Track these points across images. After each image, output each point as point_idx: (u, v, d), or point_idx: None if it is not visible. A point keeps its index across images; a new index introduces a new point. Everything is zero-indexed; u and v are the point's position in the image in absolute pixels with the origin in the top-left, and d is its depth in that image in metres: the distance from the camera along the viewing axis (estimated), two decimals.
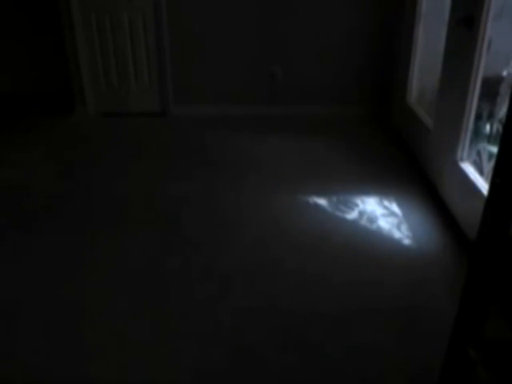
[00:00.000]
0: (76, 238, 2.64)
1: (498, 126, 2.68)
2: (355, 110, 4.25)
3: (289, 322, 2.10)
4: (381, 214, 2.86)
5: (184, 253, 2.53)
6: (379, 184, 3.18)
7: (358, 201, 2.98)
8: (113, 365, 1.89)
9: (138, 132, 3.99)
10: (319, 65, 4.14)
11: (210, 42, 4.06)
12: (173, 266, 2.44)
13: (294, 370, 1.88)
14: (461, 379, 1.48)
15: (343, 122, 4.13)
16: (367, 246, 2.59)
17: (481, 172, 2.62)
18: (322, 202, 2.97)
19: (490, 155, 2.65)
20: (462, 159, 2.74)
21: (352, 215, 2.84)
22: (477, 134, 2.74)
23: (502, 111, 2.62)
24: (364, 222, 2.78)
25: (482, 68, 2.54)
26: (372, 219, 2.80)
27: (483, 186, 2.47)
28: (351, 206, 2.92)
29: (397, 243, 2.60)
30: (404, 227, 2.73)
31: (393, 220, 2.80)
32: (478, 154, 2.73)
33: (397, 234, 2.67)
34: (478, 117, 2.70)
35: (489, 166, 2.62)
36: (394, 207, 2.92)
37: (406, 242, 2.62)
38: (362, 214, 2.85)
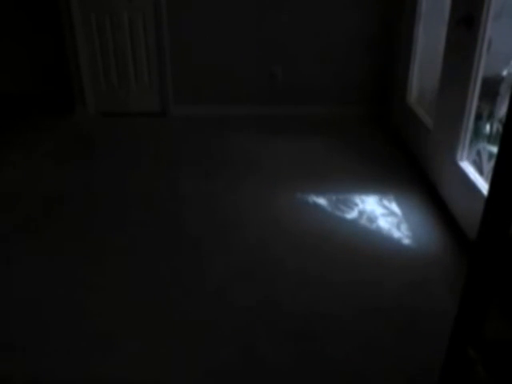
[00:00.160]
0: (76, 238, 2.64)
1: (497, 126, 2.68)
2: (355, 109, 4.25)
3: (289, 322, 2.10)
4: (380, 213, 2.86)
5: (184, 253, 2.53)
6: (379, 184, 3.18)
7: (358, 200, 2.98)
8: (114, 364, 1.89)
9: (138, 132, 3.99)
10: (319, 65, 4.14)
11: (210, 42, 4.06)
12: (172, 266, 2.44)
13: (293, 369, 1.88)
14: (461, 379, 1.48)
15: (343, 122, 4.13)
16: (367, 245, 2.59)
17: (481, 172, 2.62)
18: (321, 201, 2.98)
19: (490, 155, 2.65)
20: (461, 159, 2.74)
21: (352, 215, 2.84)
22: (477, 133, 2.74)
23: (502, 111, 2.62)
24: (364, 221, 2.78)
25: (482, 68, 2.54)
26: (372, 219, 2.80)
27: (483, 186, 2.47)
28: (351, 206, 2.92)
29: (396, 243, 2.60)
30: (404, 227, 2.73)
31: (392, 220, 2.80)
32: (478, 153, 2.73)
33: (396, 234, 2.67)
34: (478, 117, 2.70)
35: (489, 166, 2.62)
36: (394, 207, 2.92)
37: (406, 241, 2.62)
38: (361, 213, 2.85)
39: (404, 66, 3.75)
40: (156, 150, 3.67)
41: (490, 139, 2.73)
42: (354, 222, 2.78)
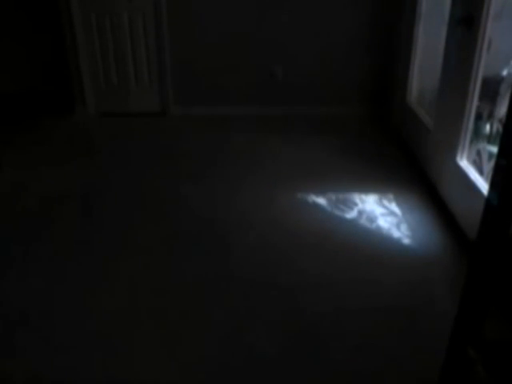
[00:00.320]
0: (76, 238, 2.64)
1: (497, 126, 2.68)
2: (355, 109, 4.25)
3: (288, 322, 2.10)
4: (380, 213, 2.86)
5: (184, 252, 2.53)
6: (379, 183, 3.18)
7: (358, 200, 2.98)
8: (120, 365, 1.90)
9: (138, 132, 3.99)
10: (319, 65, 4.14)
11: (210, 42, 4.06)
12: (174, 265, 2.44)
13: (293, 369, 1.88)
14: (461, 379, 1.48)
15: (343, 122, 4.13)
16: (367, 245, 2.59)
17: (481, 172, 2.62)
18: (321, 201, 2.98)
19: (490, 155, 2.65)
20: (461, 159, 2.74)
21: (351, 214, 2.84)
22: (477, 133, 2.74)
23: (502, 111, 2.62)
24: (363, 221, 2.78)
25: (482, 68, 2.54)
26: (371, 218, 2.80)
27: (483, 185, 2.47)
28: (351, 206, 2.92)
29: (396, 243, 2.60)
30: (404, 227, 2.73)
31: (392, 219, 2.80)
32: (478, 153, 2.73)
33: (396, 234, 2.67)
34: (478, 117, 2.70)
35: (489, 166, 2.62)
36: (394, 207, 2.92)
37: (406, 241, 2.62)
38: (361, 213, 2.85)
39: (404, 66, 3.75)
40: (156, 150, 3.67)
41: (490, 139, 2.73)
42: (353, 222, 2.78)
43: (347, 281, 2.34)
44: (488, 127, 2.75)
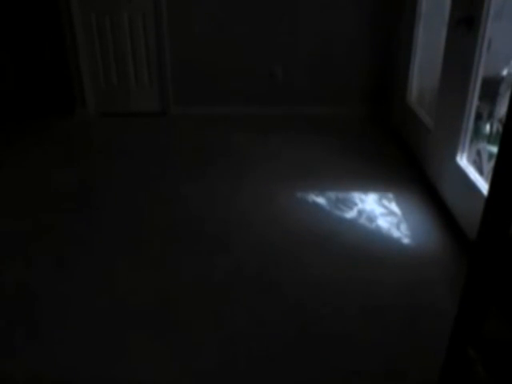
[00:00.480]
0: (76, 238, 2.64)
1: (497, 126, 2.68)
2: (355, 109, 4.25)
3: (288, 321, 2.10)
4: (380, 213, 2.86)
5: (184, 252, 2.53)
6: (379, 183, 3.18)
7: (358, 200, 2.98)
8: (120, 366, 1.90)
9: (138, 132, 3.99)
10: (319, 65, 4.14)
11: (210, 42, 4.06)
12: (174, 265, 2.44)
13: (292, 370, 1.88)
14: (460, 379, 1.48)
15: (343, 122, 4.13)
16: (366, 245, 2.59)
17: (481, 172, 2.62)
18: (321, 200, 2.98)
19: (490, 155, 2.65)
20: (461, 159, 2.74)
21: (351, 214, 2.84)
22: (477, 133, 2.74)
23: (502, 111, 2.62)
24: (363, 220, 2.78)
25: (482, 68, 2.54)
26: (371, 218, 2.80)
27: (483, 185, 2.47)
28: (350, 205, 2.92)
29: (396, 242, 2.60)
30: (403, 226, 2.73)
31: (392, 219, 2.80)
32: (478, 153, 2.73)
33: (396, 234, 2.67)
34: (478, 117, 2.70)
35: (489, 166, 2.62)
36: (394, 206, 2.93)
37: (406, 241, 2.62)
38: (361, 213, 2.85)
39: (404, 66, 3.75)
40: (156, 150, 3.67)
41: (490, 139, 2.73)
42: (353, 222, 2.78)
43: (347, 280, 2.34)
44: (488, 127, 2.75)
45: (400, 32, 3.83)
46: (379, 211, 2.88)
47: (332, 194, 3.04)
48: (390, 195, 3.04)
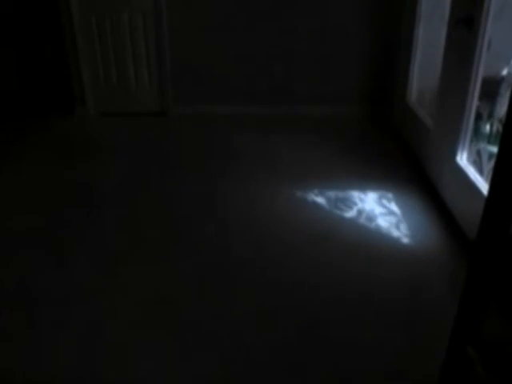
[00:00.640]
0: (75, 238, 2.64)
1: (497, 126, 2.68)
2: (355, 109, 4.25)
3: (288, 320, 2.10)
4: (380, 212, 2.86)
5: (184, 252, 2.53)
6: (379, 183, 3.18)
7: (357, 199, 2.98)
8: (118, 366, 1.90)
9: (138, 132, 3.99)
10: (319, 65, 4.14)
11: (210, 42, 4.06)
12: (173, 265, 2.44)
13: (291, 371, 1.88)
14: (460, 379, 1.48)
15: (343, 122, 4.13)
16: (366, 244, 2.59)
17: (481, 172, 2.62)
18: (321, 200, 2.98)
19: (490, 155, 2.65)
20: (461, 159, 2.74)
21: (351, 214, 2.84)
22: (477, 133, 2.74)
23: (502, 111, 2.62)
24: (363, 220, 2.78)
25: (482, 68, 2.54)
26: (371, 218, 2.80)
27: (483, 185, 2.47)
28: (350, 205, 2.92)
29: (396, 242, 2.60)
30: (403, 226, 2.73)
31: (392, 219, 2.80)
32: (478, 153, 2.73)
33: (396, 233, 2.67)
34: (478, 117, 2.70)
35: (489, 166, 2.62)
36: (393, 206, 2.93)
37: (405, 240, 2.62)
38: (361, 212, 2.86)
39: (404, 66, 3.75)
40: (156, 150, 3.67)
41: (490, 139, 2.73)
42: (353, 221, 2.78)
43: (346, 280, 2.34)
44: (488, 127, 2.75)
45: (400, 32, 3.83)
46: (379, 211, 2.88)
47: (332, 194, 3.04)
48: (390, 195, 3.05)
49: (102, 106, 4.27)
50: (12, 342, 1.99)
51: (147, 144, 3.78)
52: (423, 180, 3.19)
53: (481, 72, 2.55)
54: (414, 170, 3.33)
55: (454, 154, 2.78)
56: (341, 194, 3.04)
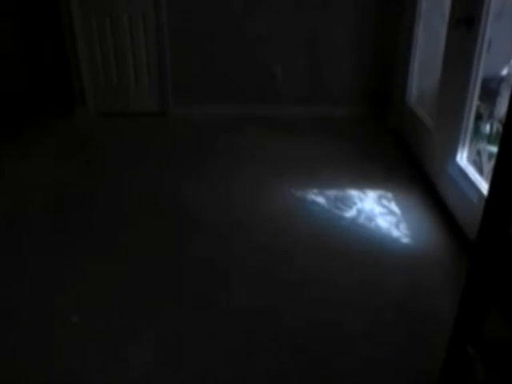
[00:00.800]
0: (74, 238, 2.64)
1: (497, 126, 2.68)
2: (355, 110, 4.25)
3: (288, 319, 2.10)
4: (380, 212, 2.86)
5: (184, 252, 2.53)
6: (379, 183, 3.18)
7: (357, 199, 2.98)
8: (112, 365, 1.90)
9: (138, 132, 3.99)
10: (320, 65, 4.14)
11: (210, 42, 4.06)
12: (173, 265, 2.44)
13: (291, 372, 1.88)
14: (460, 378, 1.48)
15: (343, 122, 4.13)
16: (365, 244, 2.59)
17: (481, 172, 2.63)
18: (320, 200, 2.98)
19: (490, 155, 2.65)
20: (461, 159, 2.74)
21: (351, 213, 2.84)
22: (477, 133, 2.74)
23: (502, 111, 2.62)
24: (363, 220, 2.78)
25: (482, 68, 2.54)
26: (371, 217, 2.80)
27: (483, 186, 2.47)
28: (350, 205, 2.92)
29: (395, 242, 2.60)
30: (403, 226, 2.73)
31: (392, 219, 2.80)
32: (478, 153, 2.74)
33: (395, 233, 2.67)
34: (478, 117, 2.70)
35: (489, 166, 2.62)
36: (393, 206, 2.93)
37: (405, 240, 2.62)
38: (360, 212, 2.85)
39: (404, 66, 3.75)
40: (156, 150, 3.67)
41: (490, 139, 2.73)
42: (352, 221, 2.78)
43: (346, 280, 2.34)
44: (488, 127, 2.75)
45: (400, 32, 3.83)
46: (379, 210, 2.88)
47: (331, 194, 3.04)
48: (390, 195, 3.05)
49: (102, 106, 4.26)
50: None
51: (147, 144, 3.77)
52: (423, 180, 3.19)
53: (481, 72, 2.55)
54: (414, 170, 3.33)
55: (454, 154, 2.78)
56: (340, 194, 3.04)
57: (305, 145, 3.74)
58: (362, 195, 3.04)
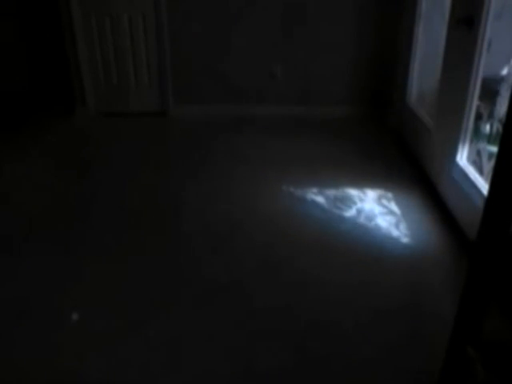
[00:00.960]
0: (73, 237, 2.64)
1: (497, 126, 2.68)
2: (355, 110, 4.25)
3: (288, 319, 2.10)
4: (379, 212, 2.86)
5: (185, 253, 2.53)
6: (378, 183, 3.18)
7: (357, 199, 2.98)
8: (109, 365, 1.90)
9: (138, 132, 4.00)
10: (320, 65, 4.14)
11: (210, 42, 4.06)
12: (172, 264, 2.44)
13: (291, 372, 1.88)
14: (460, 378, 1.48)
15: (343, 122, 4.13)
16: (365, 244, 2.59)
17: (481, 172, 2.63)
18: (320, 199, 2.98)
19: (490, 155, 2.65)
20: (461, 159, 2.74)
21: (350, 213, 2.84)
22: (477, 133, 2.74)
23: (502, 111, 2.62)
24: (362, 220, 2.78)
25: (482, 68, 2.54)
26: (370, 217, 2.80)
27: (483, 185, 2.47)
28: (350, 204, 2.92)
29: (395, 242, 2.60)
30: (403, 226, 2.73)
31: (391, 218, 2.80)
32: (478, 153, 2.74)
33: (395, 233, 2.67)
34: (478, 117, 2.70)
35: (489, 166, 2.62)
36: (393, 206, 2.93)
37: (405, 240, 2.62)
38: (360, 212, 2.86)
39: (404, 66, 3.75)
40: (156, 150, 3.67)
41: (490, 139, 2.73)
42: (352, 221, 2.78)
43: (345, 280, 2.34)
44: (488, 127, 2.75)
45: (400, 32, 3.83)
46: (379, 210, 2.88)
47: (331, 193, 3.04)
48: (390, 195, 3.05)
49: (103, 106, 4.27)
50: None
51: (147, 144, 3.78)
52: (423, 180, 3.19)
53: (481, 72, 2.55)
54: (413, 170, 3.33)
55: (454, 154, 2.78)
56: (340, 194, 3.04)
57: (305, 145, 3.74)
58: (361, 195, 3.04)
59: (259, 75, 4.18)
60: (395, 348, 1.97)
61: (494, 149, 2.59)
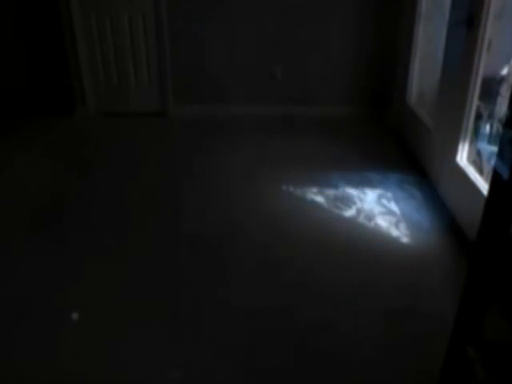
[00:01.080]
0: (73, 237, 2.64)
1: (497, 126, 2.68)
2: (355, 110, 4.25)
3: (287, 320, 2.10)
4: (379, 212, 2.86)
5: (185, 253, 2.53)
6: (378, 182, 3.18)
7: (357, 199, 2.98)
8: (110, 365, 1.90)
9: (138, 132, 4.00)
10: (319, 65, 4.14)
11: (210, 42, 4.06)
12: (171, 265, 2.44)
13: (291, 372, 1.88)
14: (460, 378, 1.48)
15: (342, 123, 4.13)
16: (365, 244, 2.59)
17: (481, 172, 2.63)
18: (320, 199, 2.98)
19: (490, 155, 2.65)
20: (461, 159, 2.74)
21: (350, 213, 2.84)
22: (477, 133, 2.74)
23: (502, 111, 2.62)
24: (362, 219, 2.78)
25: (482, 68, 2.54)
26: (370, 217, 2.80)
27: (483, 185, 2.47)
28: (349, 204, 2.92)
29: (395, 242, 2.60)
30: (402, 226, 2.73)
31: (391, 218, 2.80)
32: (478, 153, 2.74)
33: (395, 233, 2.67)
34: (478, 117, 2.70)
35: (489, 166, 2.62)
36: (393, 206, 2.93)
37: (405, 240, 2.62)
38: (360, 211, 2.86)
39: (404, 66, 3.75)
40: (156, 150, 3.67)
41: (490, 139, 2.73)
42: (352, 220, 2.78)
43: (346, 280, 2.34)
44: (488, 127, 2.75)
45: (400, 32, 3.83)
46: (378, 210, 2.88)
47: (331, 193, 3.04)
48: (390, 194, 3.05)
49: (103, 105, 4.27)
50: None
51: (147, 144, 3.78)
52: (423, 180, 3.19)
53: (481, 72, 2.55)
54: (413, 170, 3.33)
55: (454, 154, 2.78)
56: (340, 193, 3.04)
57: (305, 145, 3.74)
58: (361, 195, 3.04)
59: (259, 75, 4.18)
60: (395, 348, 1.97)
61: (494, 149, 2.59)
